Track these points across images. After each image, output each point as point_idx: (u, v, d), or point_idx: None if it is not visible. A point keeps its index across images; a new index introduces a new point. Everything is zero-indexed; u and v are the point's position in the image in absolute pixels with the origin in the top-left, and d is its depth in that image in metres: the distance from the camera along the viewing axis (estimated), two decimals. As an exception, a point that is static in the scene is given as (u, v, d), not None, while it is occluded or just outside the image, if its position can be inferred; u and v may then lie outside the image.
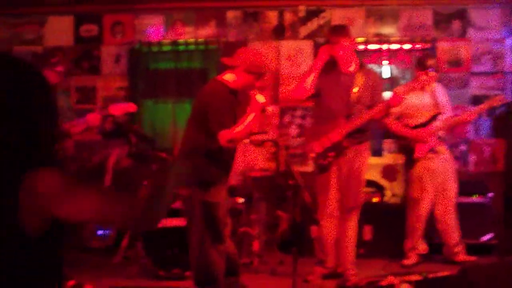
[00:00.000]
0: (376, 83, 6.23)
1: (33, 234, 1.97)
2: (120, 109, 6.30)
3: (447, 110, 6.80)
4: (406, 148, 6.86)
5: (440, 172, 6.73)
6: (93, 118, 6.23)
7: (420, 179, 6.72)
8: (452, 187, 6.82)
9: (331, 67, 6.13)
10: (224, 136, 4.79)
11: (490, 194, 7.34)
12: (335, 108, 6.08)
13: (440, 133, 6.76)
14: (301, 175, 5.59)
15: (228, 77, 5.17)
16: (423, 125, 6.67)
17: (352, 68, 6.13)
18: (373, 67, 8.12)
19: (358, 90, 6.07)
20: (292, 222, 7.27)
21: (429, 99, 6.72)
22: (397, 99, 5.91)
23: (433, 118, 6.66)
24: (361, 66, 6.26)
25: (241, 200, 6.98)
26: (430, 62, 6.64)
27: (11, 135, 1.98)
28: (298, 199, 6.21)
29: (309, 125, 8.12)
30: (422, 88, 6.65)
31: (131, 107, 6.35)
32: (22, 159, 1.98)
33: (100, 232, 7.44)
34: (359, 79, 6.09)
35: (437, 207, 6.84)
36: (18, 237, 1.95)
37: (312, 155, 6.27)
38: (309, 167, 8.10)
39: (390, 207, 7.80)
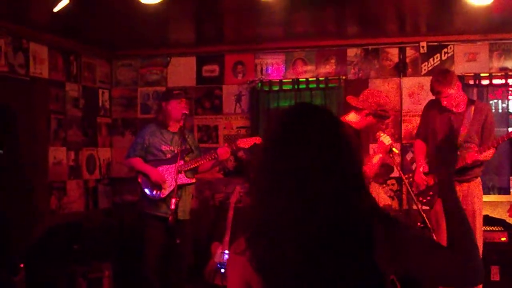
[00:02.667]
0: (486, 118, 6.38)
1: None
2: (248, 142, 6.74)
3: None
4: None
5: None
6: (223, 152, 6.75)
7: None
8: None
9: (441, 107, 6.35)
10: None
11: None
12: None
13: None
14: (426, 212, 5.77)
15: (352, 117, 5.45)
16: None
17: (460, 108, 6.30)
18: (499, 102, 8.24)
19: (467, 128, 6.22)
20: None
21: None
22: (472, 157, 6.07)
23: None
24: (471, 102, 6.40)
25: None
26: None
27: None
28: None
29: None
30: None
31: (258, 139, 6.76)
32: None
33: (223, 269, 7.73)
34: (469, 116, 6.24)
35: None
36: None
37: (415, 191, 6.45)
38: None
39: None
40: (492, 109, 6.59)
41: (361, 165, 2.27)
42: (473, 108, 6.36)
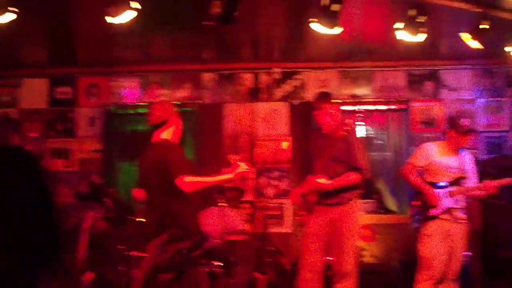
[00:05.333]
0: (352, 142, 6.58)
1: None
2: None
3: (472, 176, 6.79)
4: (423, 204, 6.74)
5: (452, 235, 6.65)
6: None
7: (432, 238, 6.64)
8: (461, 254, 6.75)
9: (317, 128, 6.63)
10: (184, 179, 5.16)
11: (468, 253, 7.39)
12: (314, 167, 6.50)
13: (459, 197, 6.71)
14: (278, 236, 5.93)
15: (165, 134, 5.56)
16: (444, 185, 6.68)
17: (332, 129, 6.52)
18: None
19: (336, 149, 6.45)
20: (268, 285, 7.61)
21: (457, 162, 6.74)
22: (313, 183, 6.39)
23: (456, 181, 6.68)
24: (343, 126, 6.62)
25: (218, 263, 7.20)
26: (465, 121, 6.69)
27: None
28: (275, 263, 6.56)
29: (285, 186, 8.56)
30: (453, 148, 6.72)
31: None
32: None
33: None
34: (339, 139, 6.47)
35: None
36: None
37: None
38: (286, 228, 8.54)
39: (368, 268, 8.21)
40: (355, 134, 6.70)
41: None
42: (345, 131, 6.50)
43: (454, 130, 6.62)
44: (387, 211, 9.11)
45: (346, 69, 9.05)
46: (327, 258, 6.56)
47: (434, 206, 6.56)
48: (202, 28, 6.99)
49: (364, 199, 8.95)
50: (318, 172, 6.47)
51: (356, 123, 7.19)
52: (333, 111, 6.59)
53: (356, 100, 8.98)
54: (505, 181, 6.50)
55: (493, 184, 6.49)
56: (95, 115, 9.25)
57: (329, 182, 6.36)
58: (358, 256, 6.61)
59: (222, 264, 7.32)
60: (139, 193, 5.64)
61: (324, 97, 6.70)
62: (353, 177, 6.47)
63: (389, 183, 9.09)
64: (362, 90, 9.03)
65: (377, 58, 8.83)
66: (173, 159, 5.32)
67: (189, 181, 5.19)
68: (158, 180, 5.42)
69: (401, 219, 8.79)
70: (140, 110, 9.09)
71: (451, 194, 6.59)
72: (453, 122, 6.72)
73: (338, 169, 6.50)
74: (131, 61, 9.02)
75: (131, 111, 9.16)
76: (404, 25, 6.54)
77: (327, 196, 6.45)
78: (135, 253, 7.26)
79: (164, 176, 5.32)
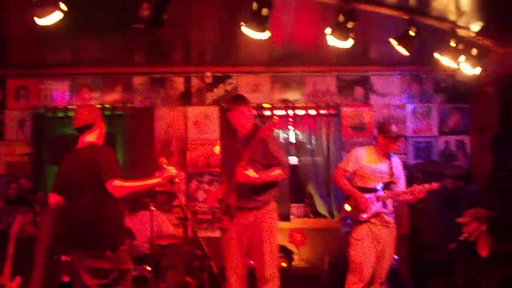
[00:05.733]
0: (269, 143, 6.56)
1: None
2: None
3: (400, 181, 6.96)
4: (353, 208, 6.83)
5: (381, 239, 6.79)
6: None
7: (362, 241, 6.77)
8: (390, 257, 6.90)
9: (231, 131, 6.63)
10: (113, 183, 5.14)
11: (396, 257, 7.46)
12: (231, 169, 6.50)
13: (388, 202, 6.85)
14: (209, 240, 5.93)
15: (91, 137, 5.54)
16: (373, 190, 6.82)
17: (247, 131, 6.54)
18: (279, 132, 8.72)
19: (252, 150, 6.44)
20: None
21: (386, 167, 6.89)
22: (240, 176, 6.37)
23: (385, 186, 6.82)
24: (256, 127, 6.64)
25: (148, 268, 7.17)
26: (393, 127, 6.84)
27: None
28: (205, 268, 6.54)
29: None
30: (382, 153, 6.87)
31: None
32: None
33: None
34: (253, 139, 6.48)
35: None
36: None
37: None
38: (217, 233, 8.55)
39: (298, 272, 8.32)
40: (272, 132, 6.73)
41: None
42: (257, 131, 6.50)
43: (383, 135, 6.79)
44: (318, 215, 9.19)
45: (277, 74, 9.14)
46: (250, 262, 6.61)
47: (363, 211, 6.71)
48: (133, 31, 6.98)
49: (294, 203, 9.08)
50: (237, 174, 6.47)
51: (276, 125, 7.20)
52: (247, 113, 6.62)
53: (287, 104, 9.03)
54: (432, 185, 6.68)
55: (421, 188, 6.65)
56: (24, 118, 9.09)
57: (257, 175, 6.39)
58: (279, 258, 6.70)
59: (152, 268, 7.30)
60: (55, 198, 5.56)
61: (238, 99, 6.75)
62: (279, 173, 6.51)
63: (319, 187, 9.16)
64: (293, 95, 9.12)
65: (308, 63, 8.95)
66: (105, 161, 5.30)
67: (119, 185, 5.17)
68: (88, 182, 5.38)
69: (331, 223, 8.96)
70: (70, 113, 8.95)
71: (380, 199, 6.75)
72: (381, 128, 6.93)
73: (257, 170, 6.53)
74: (61, 64, 8.92)
75: (61, 114, 9.05)
76: (333, 31, 6.61)
77: (245, 200, 6.46)
78: (63, 257, 7.19)
79: (95, 177, 5.28)
